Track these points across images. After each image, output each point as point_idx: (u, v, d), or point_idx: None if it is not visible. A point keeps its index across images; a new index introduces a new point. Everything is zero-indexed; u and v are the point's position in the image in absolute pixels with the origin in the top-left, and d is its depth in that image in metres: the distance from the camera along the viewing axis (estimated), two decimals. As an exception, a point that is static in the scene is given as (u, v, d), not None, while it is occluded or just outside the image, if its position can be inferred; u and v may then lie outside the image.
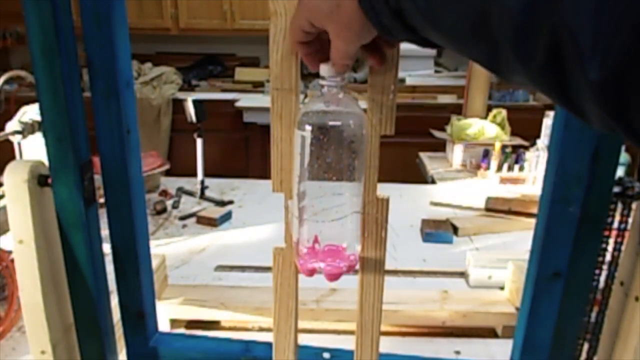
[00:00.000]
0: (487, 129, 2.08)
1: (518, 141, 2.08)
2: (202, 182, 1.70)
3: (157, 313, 0.87)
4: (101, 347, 0.77)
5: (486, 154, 1.99)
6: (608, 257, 0.69)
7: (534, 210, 1.51)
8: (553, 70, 0.30)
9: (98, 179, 0.73)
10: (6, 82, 1.31)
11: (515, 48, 0.32)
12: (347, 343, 0.72)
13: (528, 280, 0.73)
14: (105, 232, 0.75)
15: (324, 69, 0.51)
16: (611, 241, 0.69)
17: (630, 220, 0.68)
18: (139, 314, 0.81)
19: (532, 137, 1.94)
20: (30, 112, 1.28)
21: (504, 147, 1.95)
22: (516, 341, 0.76)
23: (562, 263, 0.69)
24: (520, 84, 0.35)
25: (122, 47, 0.68)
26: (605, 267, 0.70)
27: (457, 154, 2.09)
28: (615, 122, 0.29)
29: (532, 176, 1.85)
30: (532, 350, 0.74)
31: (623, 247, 0.69)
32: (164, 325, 1.00)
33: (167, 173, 1.81)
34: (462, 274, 1.22)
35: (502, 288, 1.11)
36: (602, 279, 0.71)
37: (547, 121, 1.86)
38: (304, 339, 0.97)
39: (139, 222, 0.77)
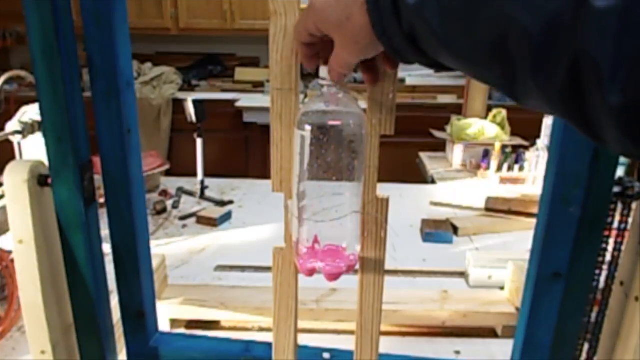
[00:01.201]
0: (487, 129, 2.08)
1: (518, 141, 2.08)
2: (202, 182, 1.70)
3: (157, 313, 0.87)
4: (101, 347, 0.77)
5: (486, 154, 1.99)
6: (608, 257, 0.69)
7: (534, 210, 1.51)
8: (572, 95, 0.30)
9: (98, 179, 0.73)
10: (6, 82, 1.31)
11: (533, 72, 0.31)
12: (347, 343, 0.72)
13: (528, 281, 0.73)
14: (105, 232, 0.75)
15: (325, 70, 0.51)
16: (611, 241, 0.69)
17: (630, 220, 0.68)
18: (139, 314, 0.81)
19: (532, 137, 1.94)
20: (30, 112, 1.27)
21: (504, 147, 1.95)
22: (517, 341, 0.76)
23: (563, 263, 0.69)
24: (536, 107, 0.34)
25: (123, 47, 0.68)
26: (605, 267, 0.70)
27: (457, 154, 2.09)
28: (637, 146, 0.28)
29: (532, 176, 1.85)
30: (532, 351, 0.74)
31: (623, 247, 0.69)
32: (164, 325, 1.00)
33: (167, 173, 1.81)
34: (462, 274, 1.22)
35: (502, 288, 1.11)
36: (602, 279, 0.71)
37: (547, 121, 1.86)
38: (304, 339, 0.97)
39: (139, 222, 0.76)
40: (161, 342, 0.85)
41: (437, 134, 2.23)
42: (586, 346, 0.74)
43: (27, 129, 1.23)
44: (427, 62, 0.41)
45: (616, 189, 0.66)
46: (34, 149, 1.28)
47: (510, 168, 1.90)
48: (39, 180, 0.68)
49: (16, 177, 0.66)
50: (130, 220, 0.75)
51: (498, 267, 1.15)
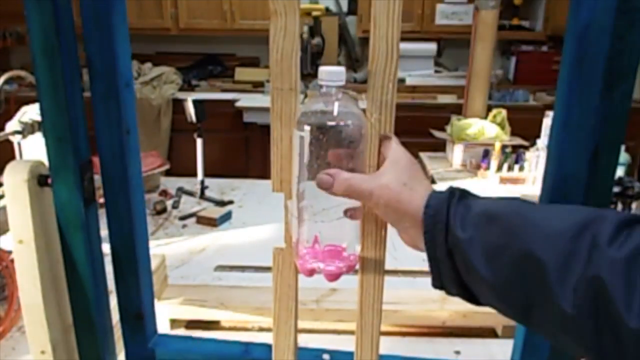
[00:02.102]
0: (487, 129, 2.08)
1: (518, 141, 2.08)
2: (202, 182, 1.70)
3: (156, 315, 0.87)
4: (99, 347, 0.77)
5: (486, 154, 1.99)
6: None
7: (534, 210, 1.51)
8: (587, 321, 0.33)
9: (98, 179, 0.73)
10: (6, 82, 1.31)
11: (550, 300, 0.35)
12: (347, 343, 0.72)
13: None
14: (105, 232, 0.75)
15: (323, 72, 0.51)
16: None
17: (630, 220, 0.68)
18: (137, 316, 0.81)
19: (532, 137, 1.94)
20: (30, 112, 1.28)
21: (504, 147, 1.95)
22: (516, 342, 0.76)
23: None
24: (549, 333, 0.38)
25: (122, 47, 0.68)
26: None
27: (457, 154, 2.09)
28: None
29: (532, 176, 1.85)
30: (532, 351, 0.74)
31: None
32: (164, 326, 1.00)
33: (167, 173, 1.81)
34: (462, 274, 1.22)
35: (502, 288, 1.11)
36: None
37: (547, 121, 1.86)
38: (304, 339, 0.97)
39: (138, 222, 0.76)
40: (160, 344, 0.85)
41: (437, 134, 2.23)
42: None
43: (27, 129, 1.23)
44: (466, 296, 0.49)
45: (616, 189, 0.66)
46: (34, 149, 1.28)
47: (510, 168, 1.90)
48: (39, 180, 0.68)
49: (16, 177, 0.66)
50: (129, 221, 0.75)
51: (498, 267, 1.15)
